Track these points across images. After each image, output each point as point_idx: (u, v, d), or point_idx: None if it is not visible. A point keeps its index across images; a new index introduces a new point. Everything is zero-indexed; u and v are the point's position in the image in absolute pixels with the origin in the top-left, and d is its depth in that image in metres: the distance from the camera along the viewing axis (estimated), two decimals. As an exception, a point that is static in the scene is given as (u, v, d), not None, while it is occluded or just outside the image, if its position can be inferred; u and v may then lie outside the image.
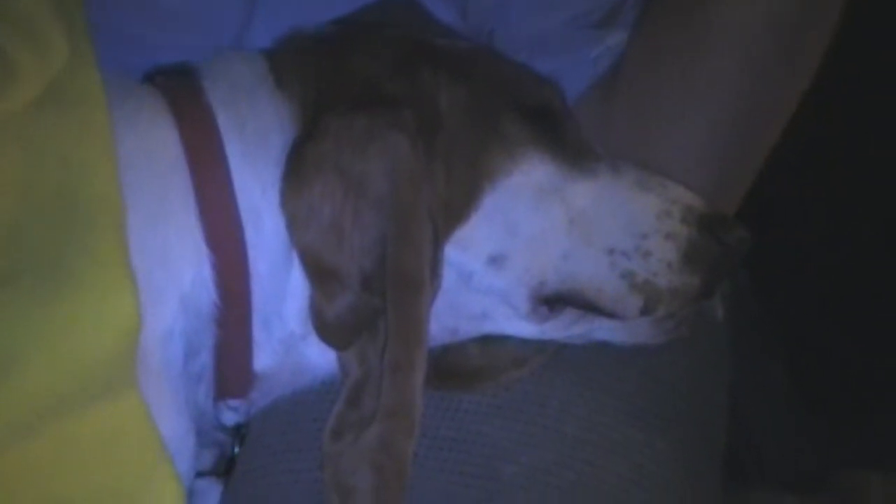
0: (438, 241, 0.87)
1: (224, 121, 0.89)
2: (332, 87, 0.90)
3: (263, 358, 0.91)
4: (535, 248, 0.90)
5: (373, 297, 0.86)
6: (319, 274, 0.87)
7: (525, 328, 0.92)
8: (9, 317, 0.75)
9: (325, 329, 0.88)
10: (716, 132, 0.97)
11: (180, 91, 0.90)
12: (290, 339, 0.91)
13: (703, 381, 1.00)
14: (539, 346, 0.94)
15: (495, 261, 0.89)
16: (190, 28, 1.00)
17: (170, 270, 0.85)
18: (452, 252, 0.89)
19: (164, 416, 0.83)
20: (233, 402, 0.93)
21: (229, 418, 0.95)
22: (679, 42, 0.95)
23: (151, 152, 0.87)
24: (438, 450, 0.88)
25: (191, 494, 0.91)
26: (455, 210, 0.89)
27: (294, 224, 0.87)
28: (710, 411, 1.00)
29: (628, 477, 0.90)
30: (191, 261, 0.86)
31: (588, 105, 0.99)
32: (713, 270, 0.90)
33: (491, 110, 0.91)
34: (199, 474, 0.97)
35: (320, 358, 0.91)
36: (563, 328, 0.92)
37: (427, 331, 0.85)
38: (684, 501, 0.92)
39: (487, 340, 0.94)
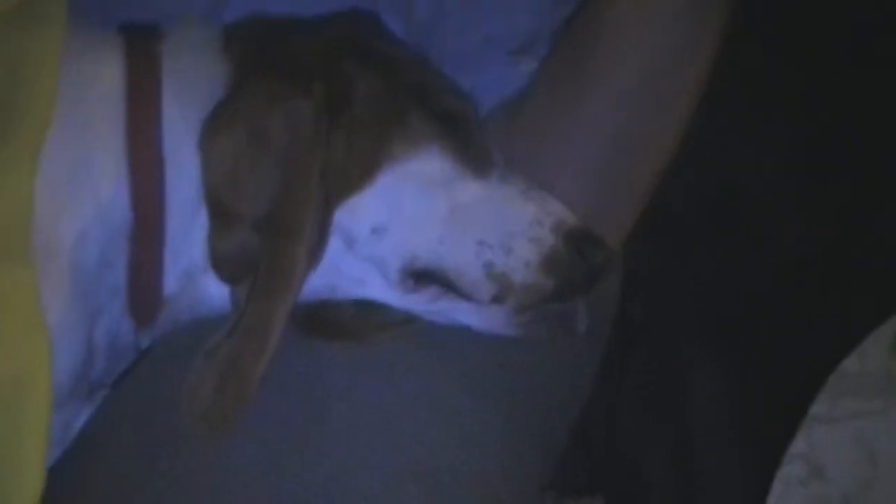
0: (329, 204, 1.00)
1: (167, 67, 1.02)
2: (267, 58, 1.03)
3: (170, 283, 1.03)
4: (413, 228, 1.02)
5: (261, 240, 0.99)
6: (217, 211, 0.99)
7: (393, 297, 1.05)
8: None
9: (217, 262, 1.01)
10: (595, 158, 1.10)
11: (138, 39, 1.04)
12: (193, 269, 1.03)
13: (551, 380, 1.11)
14: (406, 317, 1.06)
15: (377, 231, 1.02)
16: None
17: (90, 178, 0.98)
18: (342, 217, 1.01)
19: (56, 304, 0.96)
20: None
21: (143, 341, 1.07)
22: (571, 75, 1.09)
23: (96, 77, 1.00)
24: (283, 378, 0.99)
25: (78, 399, 1.03)
26: (352, 181, 1.01)
27: (204, 163, 0.99)
28: (551, 407, 1.11)
29: (447, 437, 1.00)
30: (111, 175, 0.99)
31: (496, 119, 1.12)
32: (567, 278, 1.03)
33: (404, 103, 1.03)
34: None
35: (217, 291, 1.03)
36: (426, 302, 1.05)
37: (298, 272, 0.97)
38: (499, 474, 1.02)
39: (361, 303, 1.06)
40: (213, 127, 0.99)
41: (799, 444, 1.09)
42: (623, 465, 1.50)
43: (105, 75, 1.01)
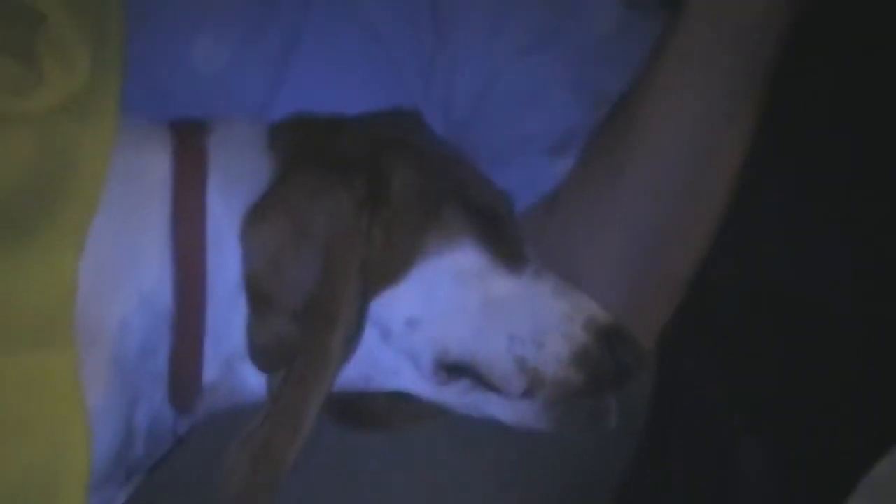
0: (366, 295, 1.02)
1: (214, 159, 1.06)
2: (310, 153, 1.07)
3: (210, 371, 1.05)
4: (447, 321, 1.04)
5: (299, 329, 1.01)
6: (257, 299, 1.02)
7: (426, 389, 1.06)
8: None
9: (255, 350, 1.03)
10: (629, 251, 1.12)
11: (186, 132, 1.08)
12: (233, 357, 1.05)
13: (581, 474, 1.12)
14: (437, 409, 1.08)
15: (411, 323, 1.04)
16: (220, 93, 1.18)
17: (134, 265, 1.01)
18: (378, 308, 1.03)
19: (97, 390, 0.98)
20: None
21: (181, 427, 1.09)
22: (606, 169, 1.12)
23: (144, 168, 1.04)
24: (316, 464, 1.01)
25: (115, 483, 1.05)
26: (388, 273, 1.03)
27: (246, 253, 1.02)
28: (582, 496, 1.12)
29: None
30: (155, 263, 1.02)
31: (531, 216, 1.14)
32: (598, 374, 1.04)
33: (440, 198, 1.06)
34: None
35: (256, 380, 1.05)
36: (457, 395, 1.06)
37: (334, 360, 0.99)
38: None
39: (394, 394, 1.07)
40: (256, 217, 1.02)
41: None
42: None
43: (153, 165, 1.04)
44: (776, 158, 1.20)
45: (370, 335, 1.03)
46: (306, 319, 1.00)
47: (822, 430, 1.43)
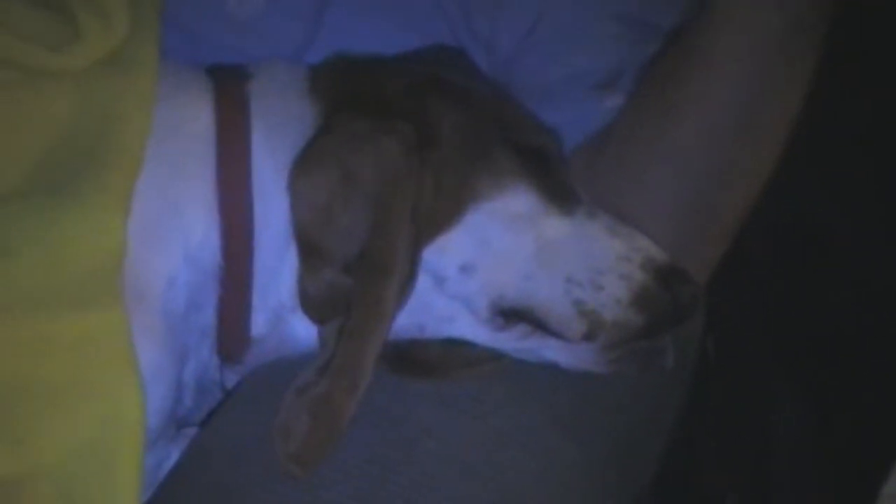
0: (419, 243, 0.99)
1: (256, 107, 1.03)
2: (354, 97, 1.04)
3: (258, 324, 1.03)
4: (501, 265, 1.02)
5: (350, 279, 0.99)
6: (307, 249, 1.00)
7: (482, 335, 1.04)
8: (14, 220, 0.90)
9: (306, 301, 1.01)
10: (683, 193, 1.08)
11: (226, 79, 1.05)
12: (281, 309, 1.03)
13: (635, 417, 1.10)
14: (493, 354, 1.06)
15: (465, 270, 1.02)
16: (255, 38, 1.15)
17: (180, 220, 0.99)
18: (431, 256, 1.01)
19: (148, 346, 0.96)
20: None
21: (230, 379, 1.07)
22: (659, 109, 1.08)
23: (185, 119, 1.01)
24: (372, 415, 0.99)
25: (167, 438, 1.04)
26: (439, 219, 1.01)
27: (294, 203, 1.00)
28: (634, 443, 1.10)
29: (531, 472, 1.00)
30: (201, 219, 1.00)
31: (580, 155, 1.11)
32: (658, 315, 1.02)
33: (488, 140, 1.03)
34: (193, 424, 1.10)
35: (304, 331, 1.03)
36: (515, 340, 1.04)
37: (389, 311, 0.97)
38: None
39: (448, 341, 1.05)
40: (304, 167, 1.00)
41: (894, 484, 1.07)
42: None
43: (195, 115, 1.02)
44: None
45: (423, 282, 1.01)
46: (359, 269, 0.97)
47: (860, 378, 1.41)
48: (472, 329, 1.04)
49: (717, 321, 1.30)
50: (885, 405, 1.24)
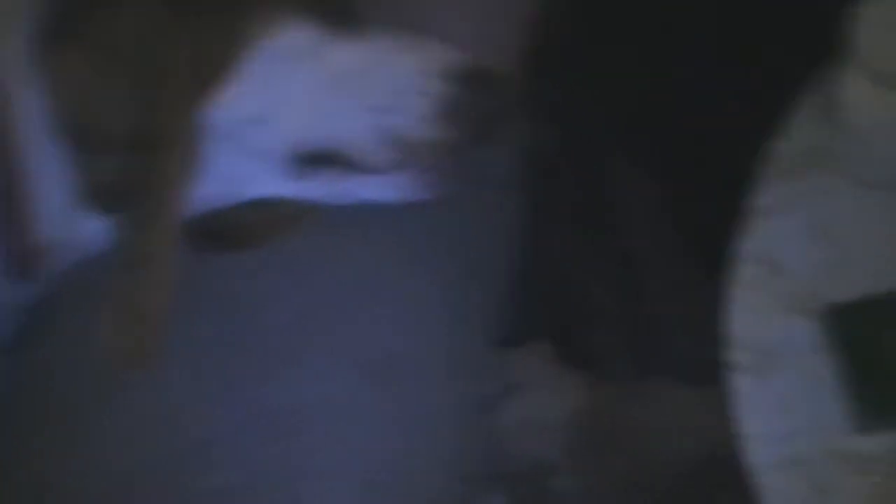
0: (196, 105, 0.90)
1: None
2: None
3: (46, 229, 0.94)
4: (295, 108, 0.93)
5: (131, 163, 0.89)
6: (76, 136, 0.89)
7: (290, 188, 0.96)
8: None
9: (88, 193, 0.91)
10: None
11: None
12: (67, 208, 0.93)
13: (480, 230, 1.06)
14: (307, 206, 0.98)
15: (256, 121, 0.93)
16: None
17: None
18: (215, 115, 0.91)
19: None
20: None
21: (28, 296, 0.98)
22: None
23: None
24: (204, 301, 0.92)
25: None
26: (215, 74, 0.91)
27: (51, 91, 0.89)
28: (483, 259, 1.06)
29: (387, 316, 0.96)
30: None
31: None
32: (469, 124, 0.94)
33: None
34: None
35: (96, 229, 0.93)
36: (326, 186, 0.96)
37: (176, 188, 0.88)
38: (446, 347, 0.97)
39: (258, 203, 0.97)
40: (52, 50, 0.89)
41: (749, 244, 1.02)
42: (565, 300, 1.45)
43: None
44: None
45: (214, 146, 0.91)
46: (136, 149, 0.88)
47: (705, 133, 1.37)
48: (276, 184, 0.96)
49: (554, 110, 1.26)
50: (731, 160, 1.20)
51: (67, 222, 0.94)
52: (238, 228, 0.98)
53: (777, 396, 0.96)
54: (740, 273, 1.01)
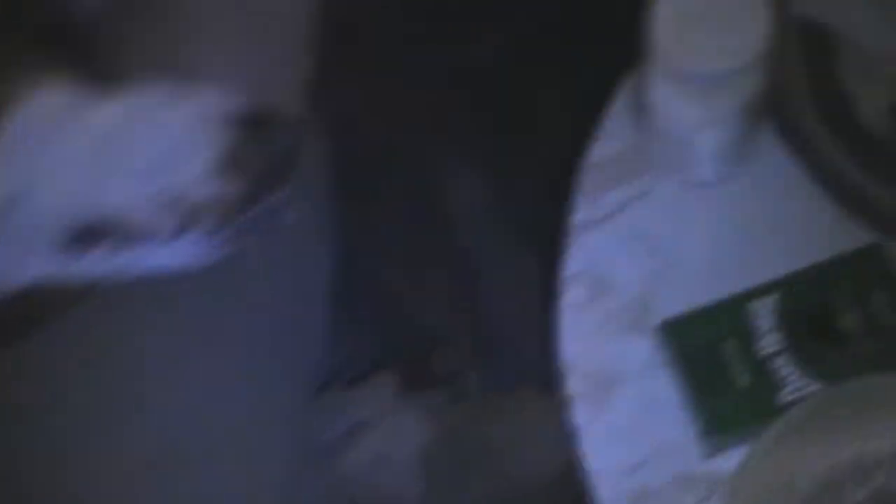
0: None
1: None
2: None
3: None
4: (57, 181, 0.83)
5: None
6: None
7: (65, 268, 0.85)
8: None
9: None
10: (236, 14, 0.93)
11: None
12: None
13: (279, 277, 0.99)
14: (87, 284, 0.88)
15: (15, 199, 0.82)
16: None
17: None
18: None
19: None
20: None
21: None
22: None
23: None
24: None
25: None
26: None
27: None
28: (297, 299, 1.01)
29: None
30: None
31: (113, 14, 0.91)
32: (255, 174, 0.85)
33: None
34: None
35: None
36: (103, 261, 0.86)
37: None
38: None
39: (33, 288, 0.86)
40: None
41: (573, 263, 0.96)
42: (399, 322, 1.39)
43: None
44: None
45: None
46: None
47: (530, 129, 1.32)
48: (49, 265, 0.85)
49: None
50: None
51: None
52: (16, 321, 0.88)
53: (618, 426, 0.90)
54: (566, 296, 0.95)
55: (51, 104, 0.83)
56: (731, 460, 0.86)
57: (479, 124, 1.40)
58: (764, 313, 0.92)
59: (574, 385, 0.92)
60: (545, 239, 1.04)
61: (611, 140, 0.99)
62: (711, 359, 0.90)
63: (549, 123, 1.37)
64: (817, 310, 0.92)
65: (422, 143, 1.40)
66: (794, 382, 0.90)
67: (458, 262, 1.42)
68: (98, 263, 0.86)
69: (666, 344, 0.91)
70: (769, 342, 0.91)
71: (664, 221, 0.96)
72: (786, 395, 0.90)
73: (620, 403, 0.91)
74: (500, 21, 1.39)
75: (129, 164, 0.83)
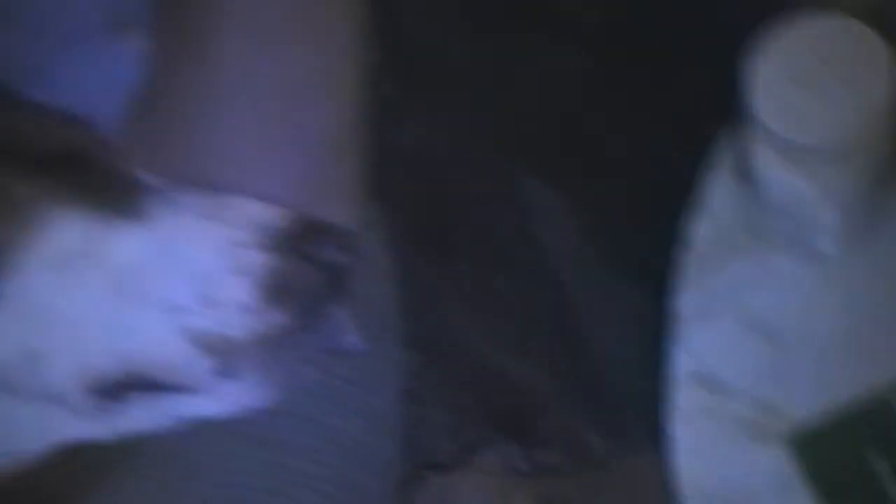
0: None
1: None
2: None
3: None
4: (77, 332, 0.74)
5: None
6: None
7: (93, 429, 0.76)
8: None
9: None
10: (272, 117, 0.84)
11: None
12: None
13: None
14: (120, 447, 0.78)
15: (31, 358, 0.73)
16: None
17: None
18: None
19: None
20: None
21: None
22: (186, 55, 0.82)
23: None
24: None
25: None
26: None
27: None
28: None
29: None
30: None
31: (130, 127, 0.83)
32: (306, 297, 0.75)
33: None
34: None
35: None
36: (138, 419, 0.76)
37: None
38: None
39: (64, 452, 0.77)
40: None
41: (682, 363, 0.83)
42: (495, 392, 1.29)
43: None
44: None
45: None
46: None
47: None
48: (74, 428, 0.75)
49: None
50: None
51: None
52: (42, 490, 0.78)
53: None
54: (677, 401, 0.82)
55: (63, 241, 0.74)
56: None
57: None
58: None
59: (692, 507, 0.80)
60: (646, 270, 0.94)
61: (711, 211, 0.86)
62: (857, 473, 0.77)
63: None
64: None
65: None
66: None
67: (556, 304, 1.32)
68: (132, 421, 0.77)
69: (800, 457, 0.78)
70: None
71: (783, 306, 0.83)
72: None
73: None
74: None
75: (156, 301, 0.74)
